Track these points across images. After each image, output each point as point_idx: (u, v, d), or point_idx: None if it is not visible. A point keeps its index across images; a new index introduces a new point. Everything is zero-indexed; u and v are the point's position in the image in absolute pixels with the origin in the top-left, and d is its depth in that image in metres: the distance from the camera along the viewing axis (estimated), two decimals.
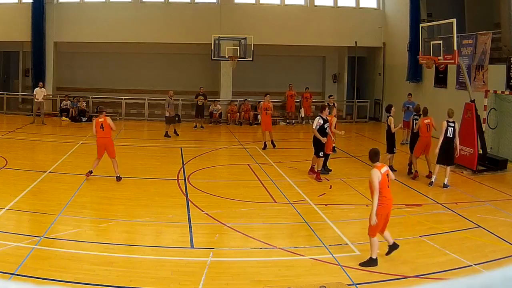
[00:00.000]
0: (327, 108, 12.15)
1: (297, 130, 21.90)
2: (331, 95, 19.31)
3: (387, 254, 7.10)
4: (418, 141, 12.18)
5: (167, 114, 18.03)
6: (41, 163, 12.71)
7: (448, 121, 11.42)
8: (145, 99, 22.69)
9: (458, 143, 11.46)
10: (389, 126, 12.56)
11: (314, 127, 11.80)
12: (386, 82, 23.47)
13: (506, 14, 14.55)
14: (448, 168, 11.49)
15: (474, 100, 13.17)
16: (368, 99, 24.48)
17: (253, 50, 20.48)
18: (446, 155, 11.33)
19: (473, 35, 16.38)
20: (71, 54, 23.67)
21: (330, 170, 12.54)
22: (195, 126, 20.83)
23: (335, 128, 12.74)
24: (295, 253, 7.36)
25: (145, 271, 6.60)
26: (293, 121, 22.71)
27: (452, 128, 11.35)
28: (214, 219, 8.78)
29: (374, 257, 6.85)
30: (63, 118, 21.55)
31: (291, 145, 18.69)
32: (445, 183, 11.38)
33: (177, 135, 18.03)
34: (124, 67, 24.13)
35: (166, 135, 17.84)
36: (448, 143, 11.32)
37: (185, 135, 19.64)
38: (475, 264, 6.89)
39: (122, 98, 22.46)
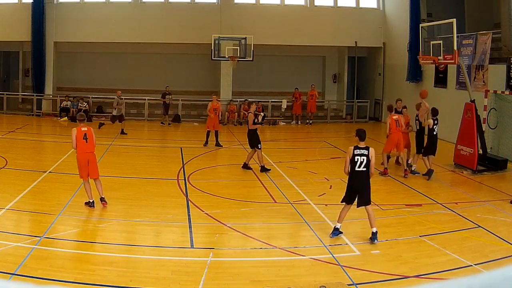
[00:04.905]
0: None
1: (298, 130, 21.90)
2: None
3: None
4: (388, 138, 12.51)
5: (114, 113, 18.53)
6: (41, 163, 12.71)
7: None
8: (145, 99, 22.68)
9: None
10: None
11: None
12: (386, 82, 23.47)
13: (506, 14, 14.55)
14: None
15: (474, 100, 13.16)
16: (368, 99, 24.48)
17: (253, 50, 20.50)
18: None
19: (473, 35, 16.38)
20: (71, 54, 23.67)
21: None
22: (162, 123, 21.30)
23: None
24: (295, 253, 7.35)
25: (145, 271, 6.60)
26: (310, 121, 22.94)
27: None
28: (214, 219, 8.78)
29: None
30: (62, 118, 21.54)
31: (292, 145, 18.70)
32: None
33: (125, 134, 17.92)
34: (124, 67, 24.13)
35: (122, 132, 17.95)
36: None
37: (186, 135, 19.68)
38: (475, 264, 6.89)
39: (122, 98, 22.41)
